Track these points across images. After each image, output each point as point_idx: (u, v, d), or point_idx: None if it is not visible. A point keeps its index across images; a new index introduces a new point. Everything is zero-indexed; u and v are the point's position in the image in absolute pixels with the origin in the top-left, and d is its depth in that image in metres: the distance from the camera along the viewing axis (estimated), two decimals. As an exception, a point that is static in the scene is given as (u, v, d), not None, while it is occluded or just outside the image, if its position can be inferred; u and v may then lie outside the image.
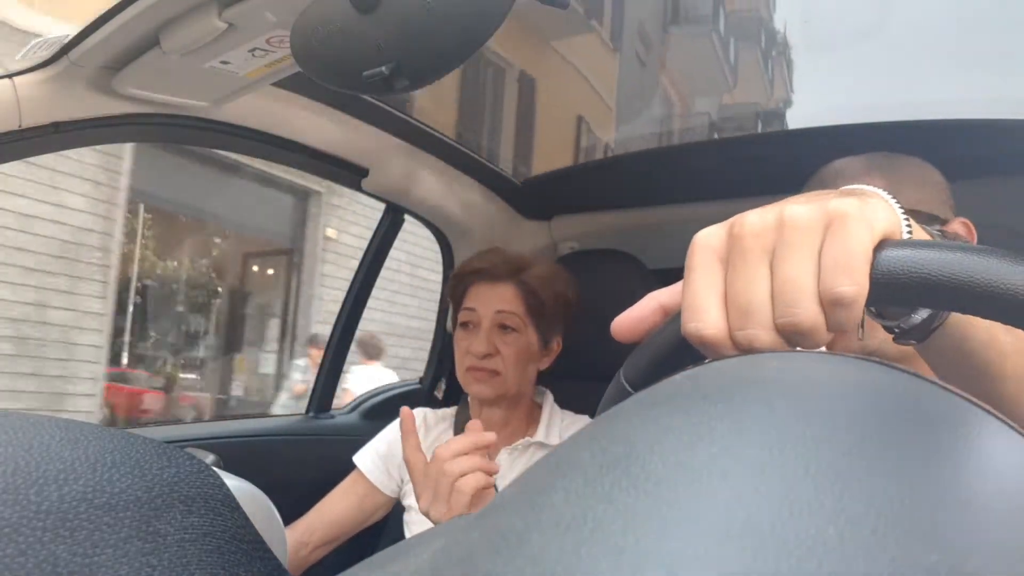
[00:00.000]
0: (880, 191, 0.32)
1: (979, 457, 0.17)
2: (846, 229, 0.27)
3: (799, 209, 0.28)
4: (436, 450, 0.74)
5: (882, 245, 0.28)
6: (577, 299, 1.11)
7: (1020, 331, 0.37)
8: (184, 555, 0.31)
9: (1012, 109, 0.94)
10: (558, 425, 1.06)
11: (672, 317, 0.33)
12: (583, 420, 1.08)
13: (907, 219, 0.32)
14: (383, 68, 0.55)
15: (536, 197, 1.44)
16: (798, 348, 0.29)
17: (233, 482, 0.39)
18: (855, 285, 0.27)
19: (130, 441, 0.35)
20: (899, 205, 0.32)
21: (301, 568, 1.01)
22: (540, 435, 1.04)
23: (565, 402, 1.12)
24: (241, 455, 1.11)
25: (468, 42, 0.53)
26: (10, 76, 0.77)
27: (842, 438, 0.17)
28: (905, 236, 0.31)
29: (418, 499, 0.75)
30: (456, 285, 1.09)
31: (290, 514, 1.01)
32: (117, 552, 0.29)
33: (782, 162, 1.12)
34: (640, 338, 0.33)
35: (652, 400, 0.20)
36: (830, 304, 0.27)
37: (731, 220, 0.30)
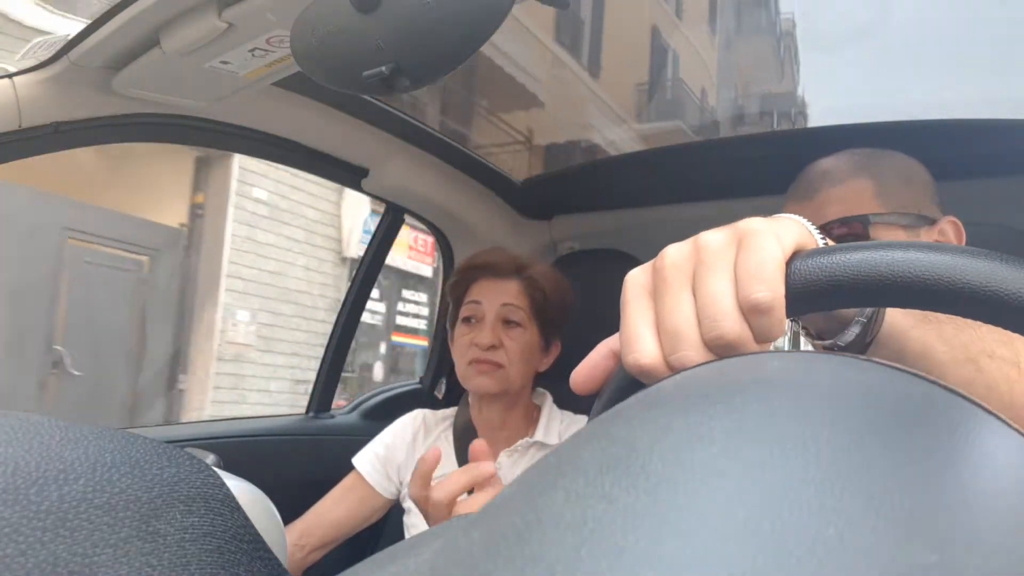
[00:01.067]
0: (794, 216, 0.34)
1: (979, 457, 0.17)
2: (756, 242, 0.30)
3: (711, 235, 0.31)
4: (434, 495, 0.67)
5: (794, 256, 0.30)
6: (574, 304, 1.12)
7: (955, 343, 0.39)
8: (184, 555, 0.31)
9: (1009, 109, 0.95)
10: (557, 426, 1.06)
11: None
12: (582, 420, 1.08)
13: (822, 236, 0.34)
14: (383, 68, 0.55)
15: (536, 197, 1.44)
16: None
17: (233, 482, 0.39)
18: (770, 291, 0.28)
19: (130, 441, 0.35)
20: (813, 225, 0.34)
21: (299, 570, 1.01)
22: (539, 435, 1.04)
23: (564, 403, 1.12)
24: (241, 455, 1.11)
25: (468, 42, 0.53)
26: (10, 76, 0.77)
27: (842, 438, 0.17)
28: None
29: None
30: (459, 281, 1.09)
31: (290, 514, 1.01)
32: (117, 552, 0.29)
33: (781, 162, 1.11)
34: (598, 386, 0.35)
35: (652, 400, 0.20)
36: (750, 311, 0.28)
37: (657, 256, 0.32)
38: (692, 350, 0.29)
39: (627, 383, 0.33)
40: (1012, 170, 1.01)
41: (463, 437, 1.06)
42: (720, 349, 0.29)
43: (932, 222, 0.72)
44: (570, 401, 1.12)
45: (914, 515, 0.15)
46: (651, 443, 0.17)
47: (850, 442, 0.16)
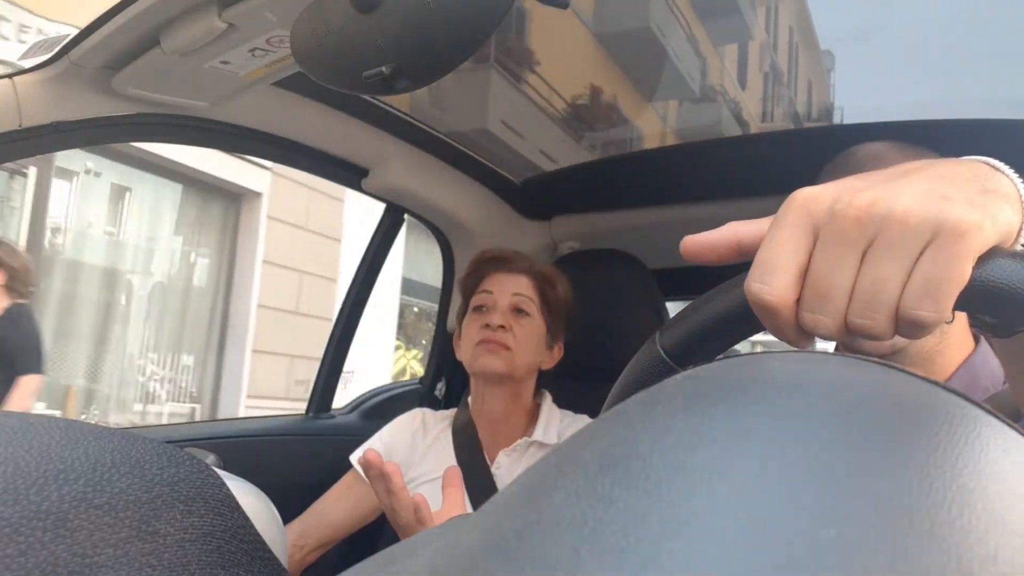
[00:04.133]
0: (1020, 183, 0.30)
1: (979, 457, 0.17)
2: (953, 250, 0.25)
3: (914, 208, 0.26)
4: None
5: (983, 257, 0.27)
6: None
7: None
8: (184, 555, 0.31)
9: (1012, 109, 0.94)
10: (556, 424, 1.06)
11: (721, 288, 0.32)
12: (582, 420, 1.08)
13: None
14: (383, 68, 0.55)
15: (536, 197, 1.44)
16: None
17: (233, 482, 0.39)
18: (936, 312, 0.26)
19: (130, 441, 0.35)
20: None
21: (298, 569, 1.01)
22: (538, 434, 1.04)
23: (564, 402, 1.12)
24: (241, 455, 1.11)
25: (468, 42, 0.53)
26: (10, 76, 0.77)
27: (842, 438, 0.17)
28: None
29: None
30: (471, 274, 1.13)
31: (290, 514, 1.01)
32: (117, 552, 0.29)
33: (784, 162, 1.11)
34: (704, 260, 0.31)
35: (652, 400, 0.20)
36: (906, 321, 0.26)
37: (840, 190, 0.28)
38: (832, 320, 0.26)
39: (719, 319, 0.31)
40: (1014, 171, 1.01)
41: (463, 437, 1.06)
42: (859, 335, 0.26)
43: None
44: (570, 401, 1.12)
45: (913, 515, 0.15)
46: (651, 443, 0.17)
47: (850, 442, 0.16)
